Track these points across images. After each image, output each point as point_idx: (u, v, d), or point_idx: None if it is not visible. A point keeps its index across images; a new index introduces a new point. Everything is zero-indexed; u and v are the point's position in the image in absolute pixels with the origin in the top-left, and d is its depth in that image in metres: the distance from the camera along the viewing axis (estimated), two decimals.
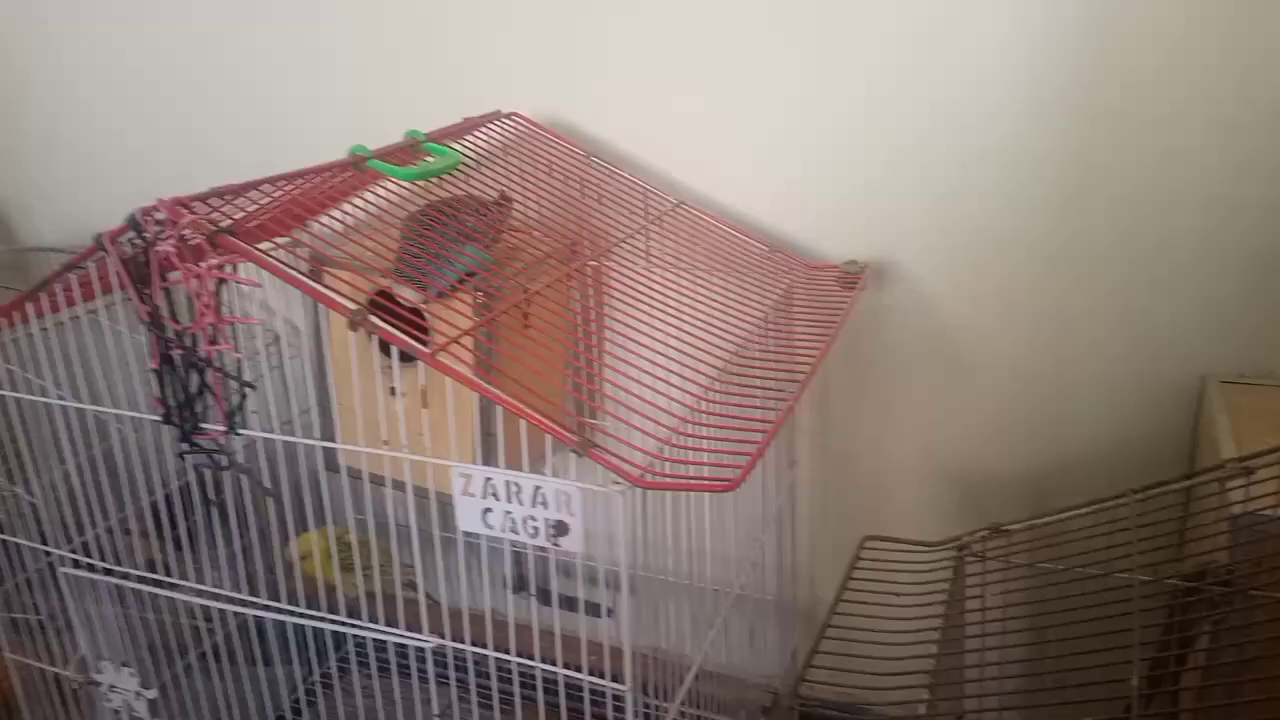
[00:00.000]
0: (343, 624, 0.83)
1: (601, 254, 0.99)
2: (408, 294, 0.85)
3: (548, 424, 0.68)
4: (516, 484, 0.71)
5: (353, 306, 0.72)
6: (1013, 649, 0.78)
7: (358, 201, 1.00)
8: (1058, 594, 0.78)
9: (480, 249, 0.92)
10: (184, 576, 0.95)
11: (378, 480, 0.95)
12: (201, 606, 1.13)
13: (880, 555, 0.86)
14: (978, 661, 0.79)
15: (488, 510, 0.73)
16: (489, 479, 0.72)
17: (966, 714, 0.77)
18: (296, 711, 1.28)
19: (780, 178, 1.10)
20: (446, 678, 1.23)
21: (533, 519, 0.71)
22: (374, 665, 0.96)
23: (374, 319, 0.73)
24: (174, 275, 0.80)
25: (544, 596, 1.28)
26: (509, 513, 0.72)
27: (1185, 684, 0.78)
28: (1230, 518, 0.74)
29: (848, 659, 0.74)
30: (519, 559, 1.28)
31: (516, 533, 0.72)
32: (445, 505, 0.82)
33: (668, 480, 0.66)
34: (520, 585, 1.30)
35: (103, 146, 1.44)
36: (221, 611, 1.15)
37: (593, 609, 1.22)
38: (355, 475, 1.11)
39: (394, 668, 1.22)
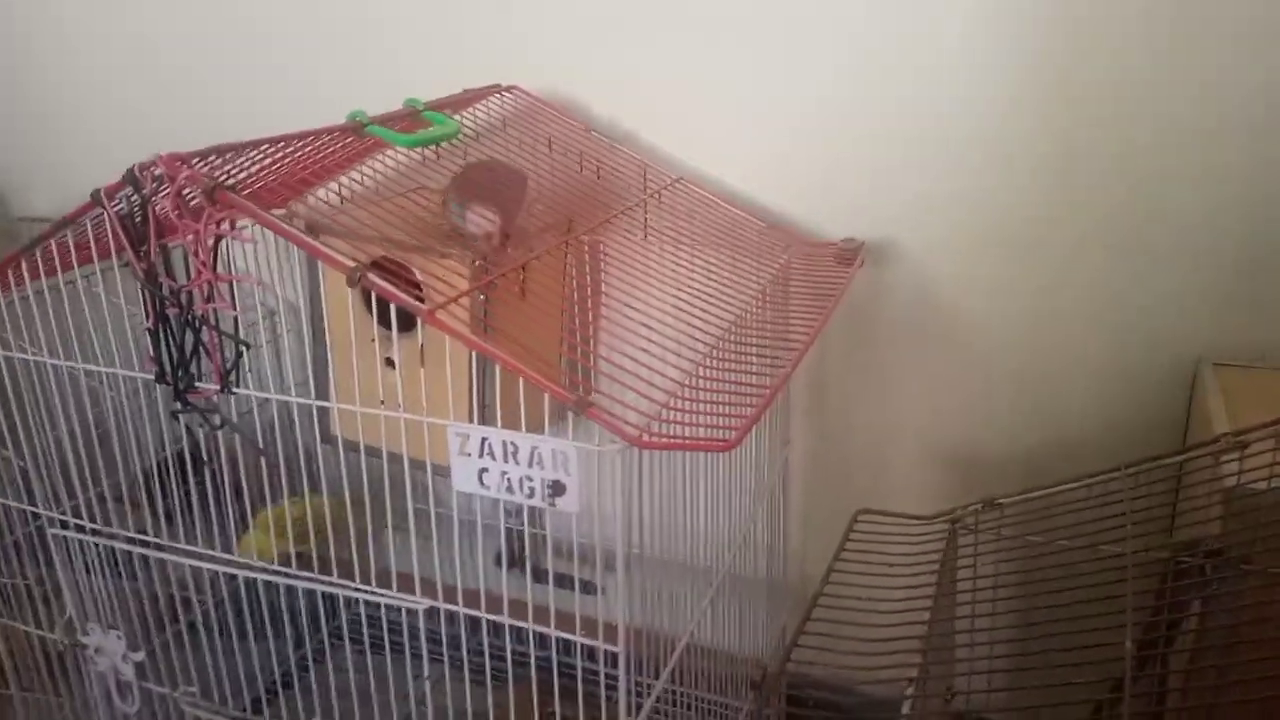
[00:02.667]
0: (333, 585, 0.83)
1: (599, 226, 0.99)
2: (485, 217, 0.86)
3: (545, 382, 0.68)
4: (513, 443, 0.71)
5: (351, 264, 0.72)
6: (1002, 617, 0.78)
7: (355, 174, 1.00)
8: (1049, 567, 0.79)
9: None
10: (174, 541, 0.95)
11: (373, 452, 0.94)
12: (191, 575, 1.13)
13: (873, 528, 0.86)
14: (968, 633, 0.79)
15: (484, 470, 0.73)
16: (485, 438, 0.72)
17: (956, 680, 0.77)
18: (286, 684, 1.28)
19: (779, 157, 1.10)
20: (439, 654, 1.23)
21: (529, 479, 0.71)
22: (366, 636, 0.96)
23: (372, 276, 0.73)
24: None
25: (537, 575, 1.28)
26: (505, 473, 0.72)
27: (1175, 657, 0.79)
28: (1223, 491, 0.74)
29: (839, 626, 0.74)
30: (510, 536, 1.28)
31: (512, 493, 0.72)
32: (440, 481, 0.82)
33: (665, 440, 0.66)
34: (513, 562, 1.30)
35: (100, 119, 1.43)
36: (211, 582, 1.15)
37: (587, 587, 1.22)
38: (351, 448, 1.11)
39: (386, 640, 1.21)
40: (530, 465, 0.71)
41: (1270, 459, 0.72)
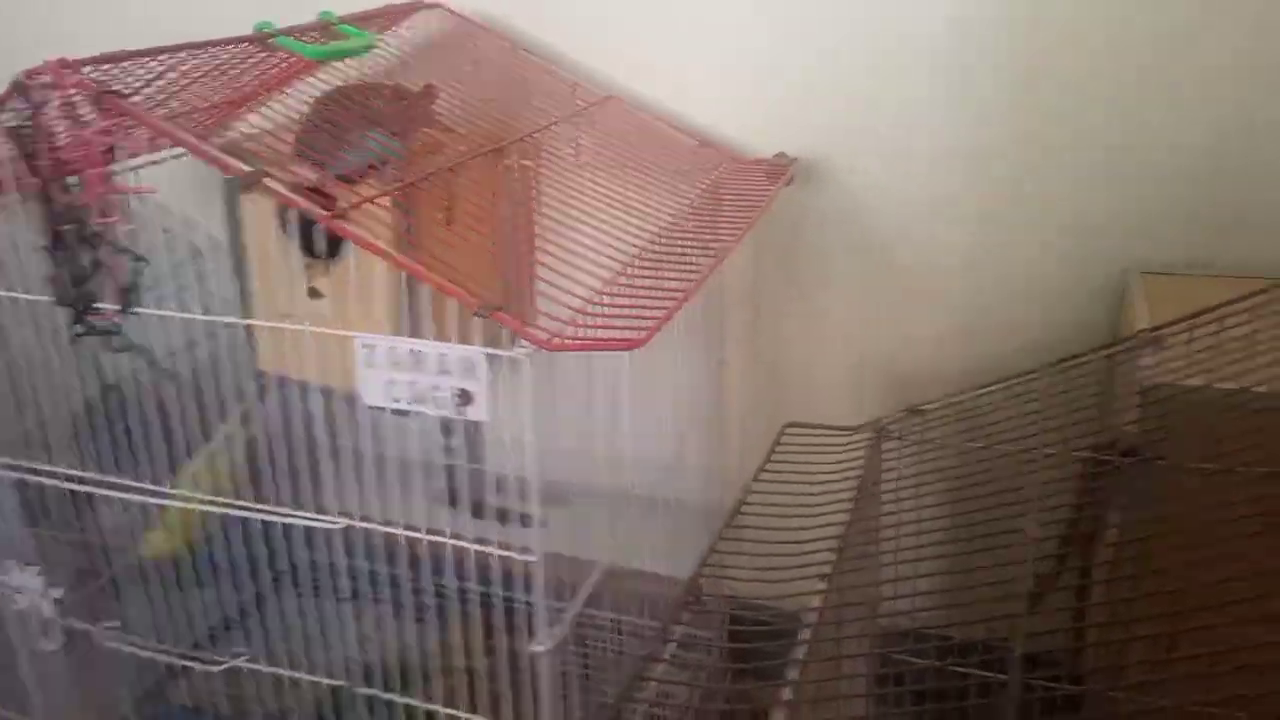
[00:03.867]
0: (247, 509, 0.81)
1: (528, 145, 0.96)
2: (304, 173, 0.82)
3: (451, 287, 0.66)
4: (420, 352, 0.69)
5: (247, 168, 0.69)
6: (927, 524, 0.78)
7: (278, 104, 0.97)
8: (971, 470, 0.78)
9: (387, 136, 0.89)
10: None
11: (300, 386, 0.92)
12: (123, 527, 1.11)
13: (801, 441, 0.85)
14: (893, 539, 0.79)
15: (392, 382, 0.71)
16: (392, 348, 0.70)
17: (883, 588, 0.77)
18: (226, 628, 1.26)
19: (711, 75, 1.07)
20: (380, 597, 1.21)
21: (437, 388, 0.69)
22: (293, 581, 0.94)
23: (271, 182, 0.70)
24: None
25: (475, 511, 1.26)
26: (413, 383, 0.70)
27: (1099, 553, 0.79)
28: (1139, 387, 0.74)
29: (760, 534, 0.74)
30: (444, 475, 1.26)
31: (422, 403, 0.70)
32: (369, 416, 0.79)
33: (574, 342, 0.65)
34: (451, 501, 1.28)
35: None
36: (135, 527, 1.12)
37: (524, 520, 1.21)
38: (278, 381, 1.09)
39: (300, 561, 1.19)
40: (439, 374, 0.69)
41: (1184, 353, 0.72)
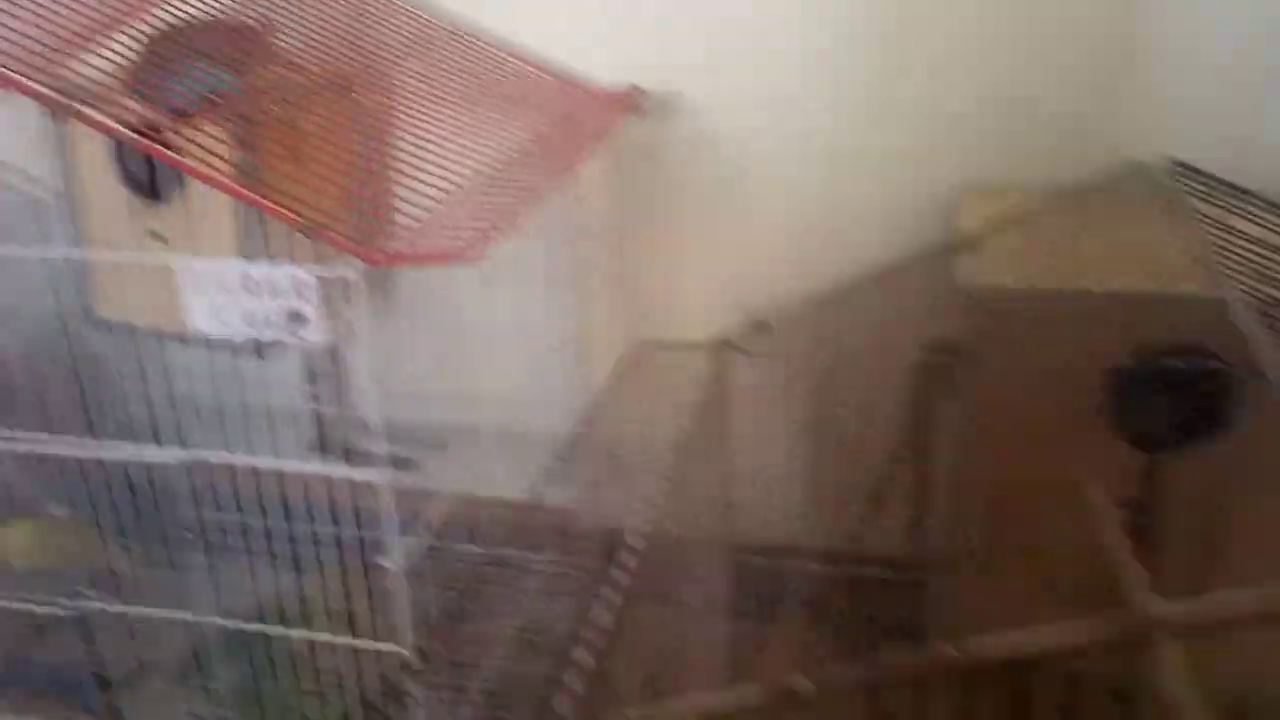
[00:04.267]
0: (82, 448, 0.78)
1: (376, 81, 0.94)
2: (133, 107, 0.79)
3: (275, 208, 0.65)
4: (249, 274, 0.68)
5: (61, 99, 0.66)
6: (779, 435, 0.81)
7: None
8: (812, 379, 0.82)
9: (220, 69, 0.86)
10: None
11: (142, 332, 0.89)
12: None
13: (648, 358, 0.87)
14: (742, 447, 0.82)
15: (222, 307, 0.69)
16: (220, 271, 0.68)
17: (733, 493, 0.80)
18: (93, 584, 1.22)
19: (566, 8, 1.08)
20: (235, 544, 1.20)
21: (270, 311, 0.68)
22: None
23: (85, 110, 0.67)
24: None
25: (348, 457, 1.25)
26: (245, 307, 0.69)
27: (933, 451, 0.84)
28: (959, 291, 0.78)
29: (608, 446, 0.75)
30: (315, 420, 1.25)
31: (254, 328, 0.69)
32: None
33: (400, 255, 0.65)
34: (322, 447, 1.27)
35: None
36: None
37: (401, 464, 1.21)
38: (125, 330, 1.05)
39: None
40: (271, 297, 0.68)
41: (995, 259, 0.77)
